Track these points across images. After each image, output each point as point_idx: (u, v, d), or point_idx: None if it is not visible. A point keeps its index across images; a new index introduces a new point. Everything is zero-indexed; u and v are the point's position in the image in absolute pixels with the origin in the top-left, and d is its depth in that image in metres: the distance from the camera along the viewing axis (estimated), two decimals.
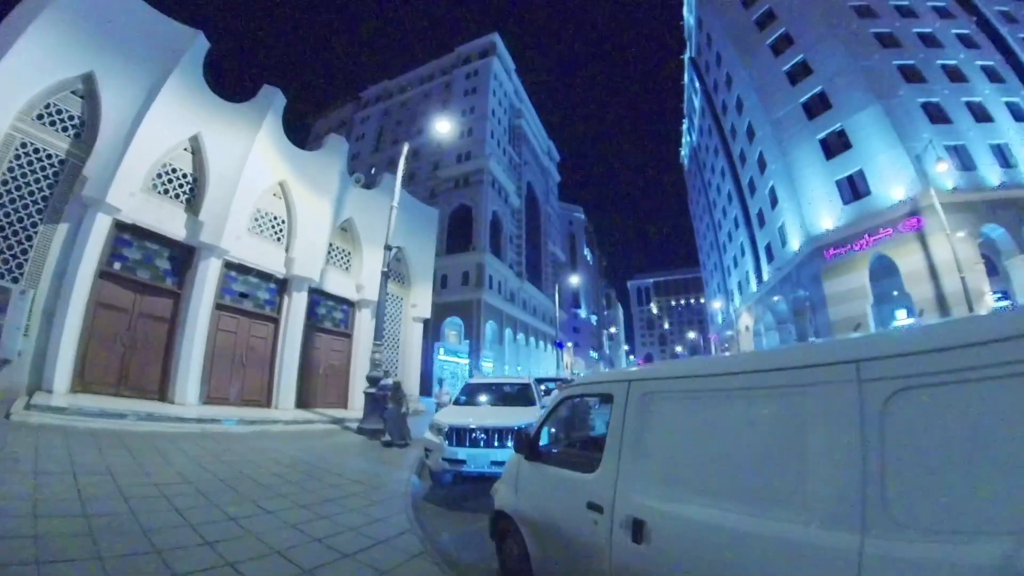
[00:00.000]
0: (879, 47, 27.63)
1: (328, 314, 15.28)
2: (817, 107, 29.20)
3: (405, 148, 13.74)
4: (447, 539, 4.91)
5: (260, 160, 12.96)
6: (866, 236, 25.30)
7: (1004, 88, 26.08)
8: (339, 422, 11.98)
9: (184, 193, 11.92)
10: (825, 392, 1.72)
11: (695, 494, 2.13)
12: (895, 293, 25.16)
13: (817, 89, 29.18)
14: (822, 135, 28.71)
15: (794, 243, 31.16)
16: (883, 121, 25.20)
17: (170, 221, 11.41)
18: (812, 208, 28.88)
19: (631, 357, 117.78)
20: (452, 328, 39.31)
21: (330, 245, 15.45)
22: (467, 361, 37.17)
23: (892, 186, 24.32)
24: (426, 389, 32.18)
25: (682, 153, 77.84)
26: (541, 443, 3.54)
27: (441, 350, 35.59)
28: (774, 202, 34.18)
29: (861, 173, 26.42)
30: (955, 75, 26.48)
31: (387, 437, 9.81)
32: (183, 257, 11.86)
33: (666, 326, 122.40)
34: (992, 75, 26.56)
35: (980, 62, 26.92)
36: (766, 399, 1.96)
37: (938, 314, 21.82)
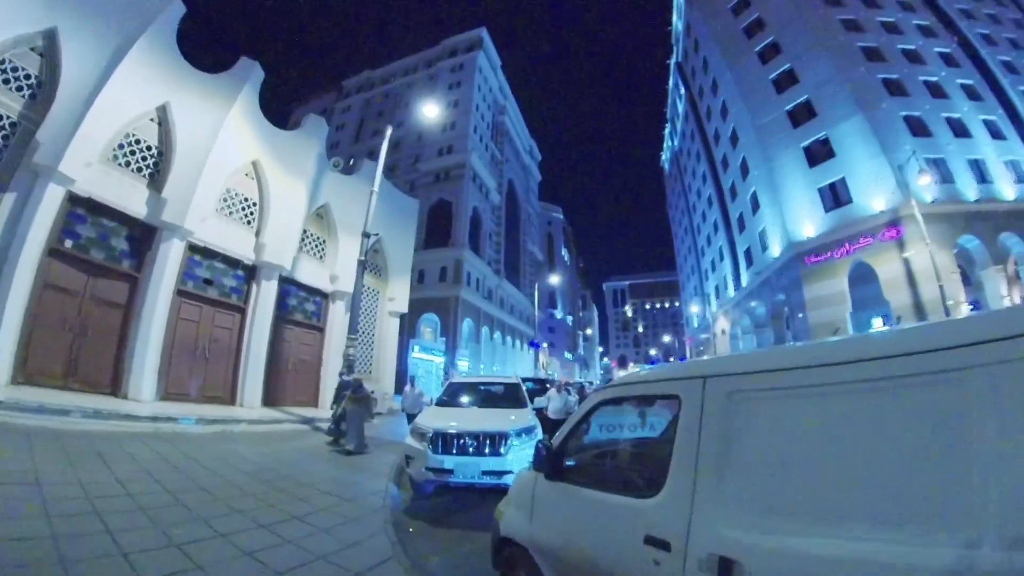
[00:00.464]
0: (865, 60, 28.12)
1: (299, 305, 14.33)
2: (802, 115, 29.53)
3: (388, 131, 12.97)
4: (437, 566, 4.23)
5: (233, 136, 11.99)
6: (847, 244, 25.72)
7: (982, 106, 27.01)
8: (309, 422, 11.13)
9: (147, 167, 10.89)
10: (1005, 373, 1.27)
11: (812, 522, 1.59)
12: (871, 299, 25.20)
13: (803, 98, 29.53)
14: (806, 143, 29.04)
15: (775, 248, 31.38)
16: (866, 132, 25.61)
17: (130, 197, 10.38)
18: (794, 214, 29.13)
19: (604, 359, 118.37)
20: (428, 325, 38.38)
21: (304, 232, 14.53)
22: (442, 359, 36.35)
23: (873, 195, 24.74)
24: (401, 387, 31.30)
25: (663, 157, 78.54)
26: (568, 459, 2.86)
27: (416, 347, 34.69)
28: (755, 207, 34.41)
29: (843, 181, 26.83)
30: (936, 91, 27.22)
31: (348, 444, 8.44)
32: (143, 237, 10.82)
33: (640, 329, 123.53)
34: (971, 93, 27.47)
35: (960, 80, 27.82)
36: (916, 389, 1.45)
37: (915, 320, 22.07)
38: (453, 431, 5.87)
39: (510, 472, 5.36)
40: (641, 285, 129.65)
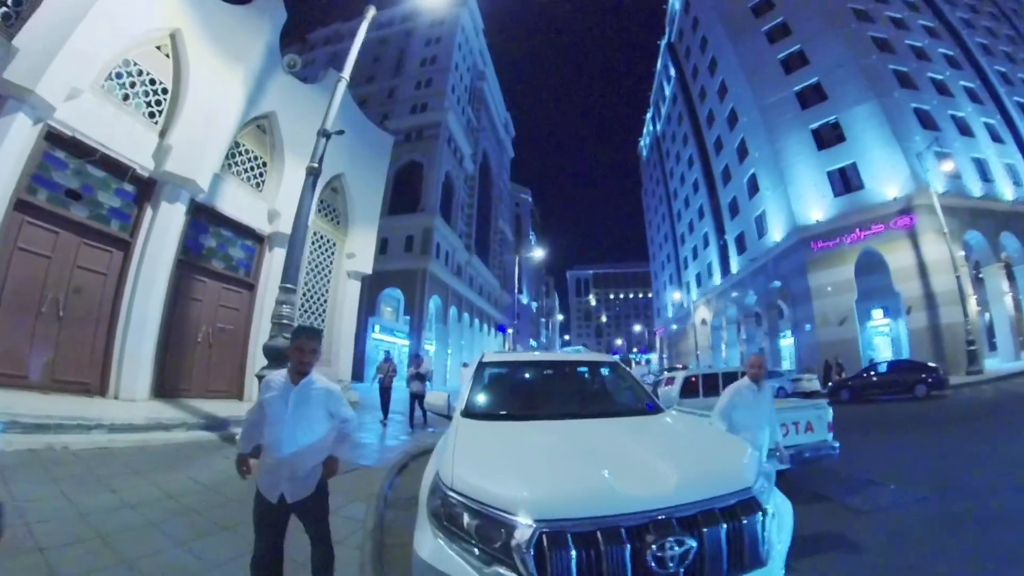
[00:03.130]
0: (876, 49, 27.84)
1: (220, 249, 9.82)
2: (812, 97, 28.76)
3: (370, 11, 8.67)
4: None
5: None
6: (857, 230, 24.84)
7: (982, 109, 27.39)
8: (223, 426, 6.95)
9: None
10: None
11: None
12: (874, 291, 24.85)
13: (812, 80, 28.78)
14: (815, 125, 28.19)
15: (775, 233, 30.08)
16: (880, 118, 24.88)
17: None
18: (801, 198, 27.90)
19: (568, 349, 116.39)
20: (389, 303, 33.93)
21: (236, 146, 10.13)
22: (407, 342, 32.07)
23: (886, 182, 24.28)
24: (359, 373, 26.78)
25: (641, 143, 76.58)
26: None
27: (376, 327, 30.24)
28: (753, 191, 33.22)
29: (854, 166, 26.08)
30: (942, 88, 27.23)
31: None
32: None
33: (603, 319, 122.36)
34: (973, 96, 27.88)
35: (963, 82, 28.12)
36: None
37: (925, 311, 22.09)
38: (607, 518, 1.81)
39: None
40: (605, 275, 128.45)
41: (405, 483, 5.61)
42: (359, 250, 13.56)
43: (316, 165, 6.79)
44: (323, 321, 12.73)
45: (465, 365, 16.69)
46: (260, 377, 4.37)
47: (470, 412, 3.24)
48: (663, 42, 54.74)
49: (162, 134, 8.57)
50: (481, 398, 3.56)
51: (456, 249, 37.69)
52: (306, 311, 12.12)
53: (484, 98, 52.51)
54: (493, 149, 57.34)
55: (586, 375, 4.33)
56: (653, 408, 3.47)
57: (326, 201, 12.98)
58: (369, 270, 13.83)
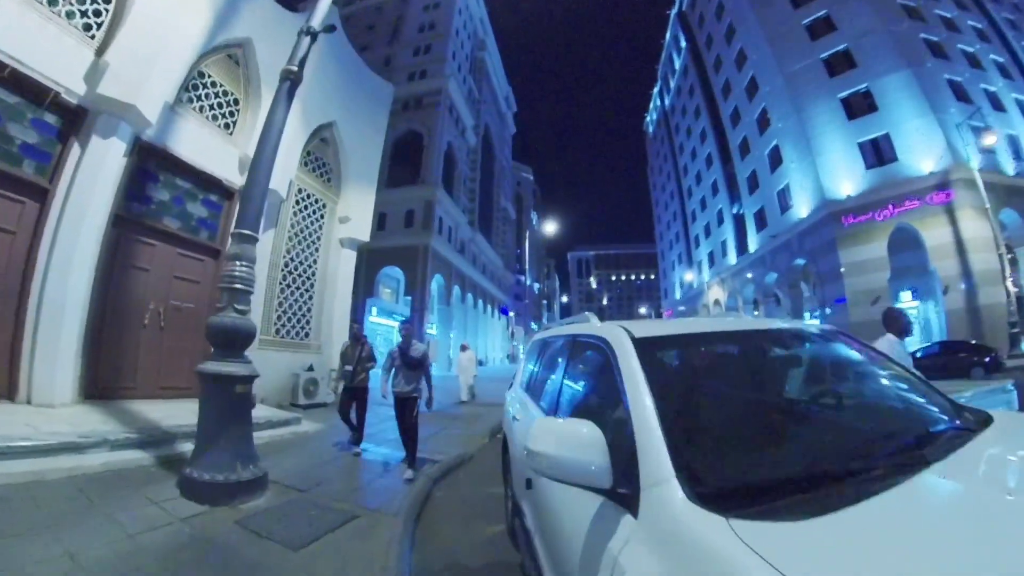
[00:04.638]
0: (906, 17, 26.34)
1: (176, 204, 7.64)
2: (840, 64, 27.19)
3: None
4: None
5: None
6: (890, 205, 23.46)
7: (1013, 85, 26.30)
8: (165, 443, 4.98)
9: None
10: None
11: None
12: (905, 269, 23.38)
13: (841, 47, 27.22)
14: (844, 94, 26.60)
15: (801, 208, 28.36)
16: (914, 88, 23.75)
17: None
18: (830, 170, 26.22)
19: None
20: (388, 284, 31.91)
21: (200, 75, 7.98)
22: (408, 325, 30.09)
23: (921, 155, 23.12)
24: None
25: (648, 119, 73.90)
26: None
27: (374, 309, 28.21)
28: (775, 164, 31.36)
29: (887, 137, 24.59)
30: (974, 61, 26.15)
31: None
32: None
33: (604, 301, 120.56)
34: (1003, 70, 26.80)
35: (993, 56, 27.03)
36: None
37: (964, 291, 21.02)
38: None
39: None
40: (607, 256, 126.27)
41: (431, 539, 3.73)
42: (354, 214, 11.41)
43: (295, 68, 4.75)
44: (310, 298, 10.68)
45: (464, 348, 14.22)
46: None
47: (715, 487, 1.19)
48: (673, 11, 52.54)
49: (100, 51, 6.44)
50: (707, 444, 1.44)
51: (459, 225, 35.50)
52: (288, 285, 10.08)
53: (485, 69, 49.74)
54: (495, 123, 54.70)
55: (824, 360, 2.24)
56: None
57: (314, 153, 10.84)
58: (366, 237, 11.69)
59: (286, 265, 9.94)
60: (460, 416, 10.14)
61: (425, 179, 30.35)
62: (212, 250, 8.10)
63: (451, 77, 34.96)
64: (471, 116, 40.39)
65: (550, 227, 30.98)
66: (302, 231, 10.37)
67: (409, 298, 30.17)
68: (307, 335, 10.47)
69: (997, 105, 24.99)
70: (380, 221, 31.06)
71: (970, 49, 26.36)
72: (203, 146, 7.82)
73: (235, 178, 8.32)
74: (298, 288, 10.31)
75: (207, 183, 7.95)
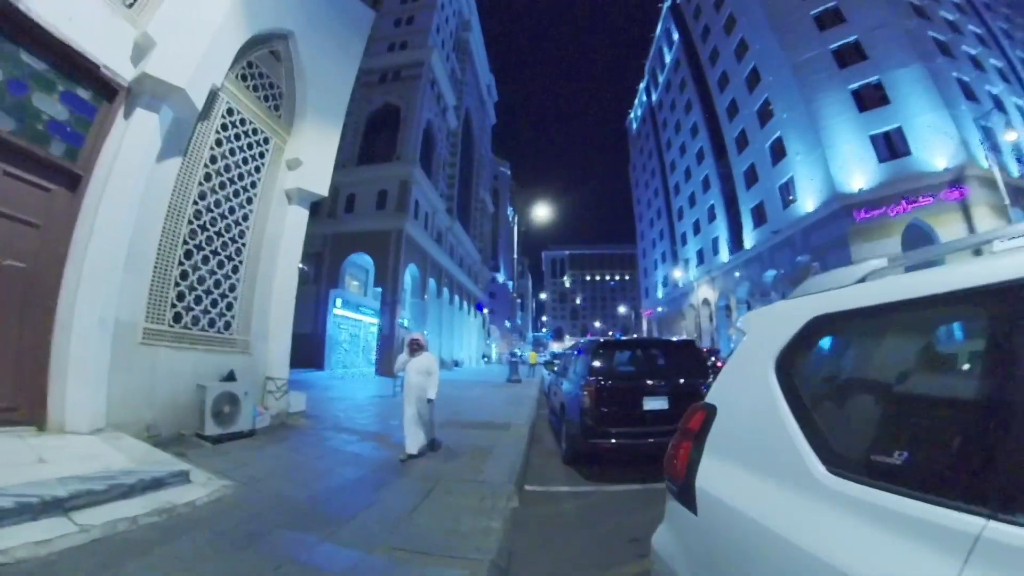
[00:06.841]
0: (914, 15, 26.12)
1: (11, 90, 4.54)
2: (851, 56, 26.42)
3: None
4: None
5: None
6: (904, 200, 22.60)
7: (1012, 89, 26.71)
8: None
9: None
10: None
11: None
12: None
13: (851, 38, 26.54)
14: (855, 85, 25.82)
15: (806, 203, 26.91)
16: (927, 82, 23.46)
17: None
18: (841, 162, 24.96)
19: (543, 330, 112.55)
20: (355, 274, 28.57)
21: None
22: (375, 320, 26.82)
23: (934, 150, 22.47)
24: (310, 358, 21.52)
25: (631, 116, 72.32)
26: None
27: (339, 300, 24.87)
28: (777, 156, 29.91)
29: (900, 131, 23.85)
30: (977, 63, 26.35)
31: None
32: None
33: (578, 301, 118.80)
34: (1003, 75, 27.27)
35: (993, 61, 27.49)
36: None
37: None
38: None
39: None
40: (582, 256, 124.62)
41: None
42: (309, 157, 8.27)
43: None
44: (234, 269, 7.36)
45: (415, 348, 11.35)
46: None
47: None
48: (666, 4, 51.36)
49: None
50: None
51: (437, 211, 32.38)
52: (200, 247, 6.80)
53: (469, 50, 46.76)
54: (476, 110, 51.73)
55: None
56: None
57: (259, 68, 7.74)
58: (324, 191, 8.54)
59: (198, 216, 6.69)
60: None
61: (401, 156, 27.13)
62: (70, 175, 4.98)
63: (435, 49, 31.86)
64: (453, 95, 37.31)
65: (534, 216, 28.00)
66: (228, 169, 7.17)
67: (379, 289, 26.91)
68: (228, 326, 7.25)
69: (1000, 108, 24.80)
70: (349, 202, 27.72)
71: (972, 52, 26.66)
72: (78, 10, 4.70)
73: (123, 65, 5.21)
74: (216, 253, 7.04)
75: (76, 68, 4.82)
